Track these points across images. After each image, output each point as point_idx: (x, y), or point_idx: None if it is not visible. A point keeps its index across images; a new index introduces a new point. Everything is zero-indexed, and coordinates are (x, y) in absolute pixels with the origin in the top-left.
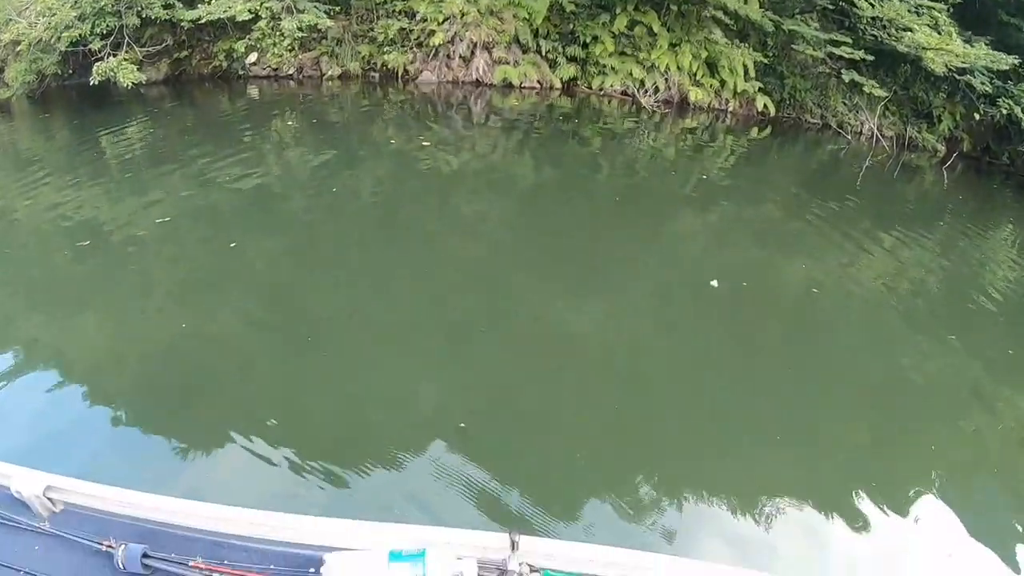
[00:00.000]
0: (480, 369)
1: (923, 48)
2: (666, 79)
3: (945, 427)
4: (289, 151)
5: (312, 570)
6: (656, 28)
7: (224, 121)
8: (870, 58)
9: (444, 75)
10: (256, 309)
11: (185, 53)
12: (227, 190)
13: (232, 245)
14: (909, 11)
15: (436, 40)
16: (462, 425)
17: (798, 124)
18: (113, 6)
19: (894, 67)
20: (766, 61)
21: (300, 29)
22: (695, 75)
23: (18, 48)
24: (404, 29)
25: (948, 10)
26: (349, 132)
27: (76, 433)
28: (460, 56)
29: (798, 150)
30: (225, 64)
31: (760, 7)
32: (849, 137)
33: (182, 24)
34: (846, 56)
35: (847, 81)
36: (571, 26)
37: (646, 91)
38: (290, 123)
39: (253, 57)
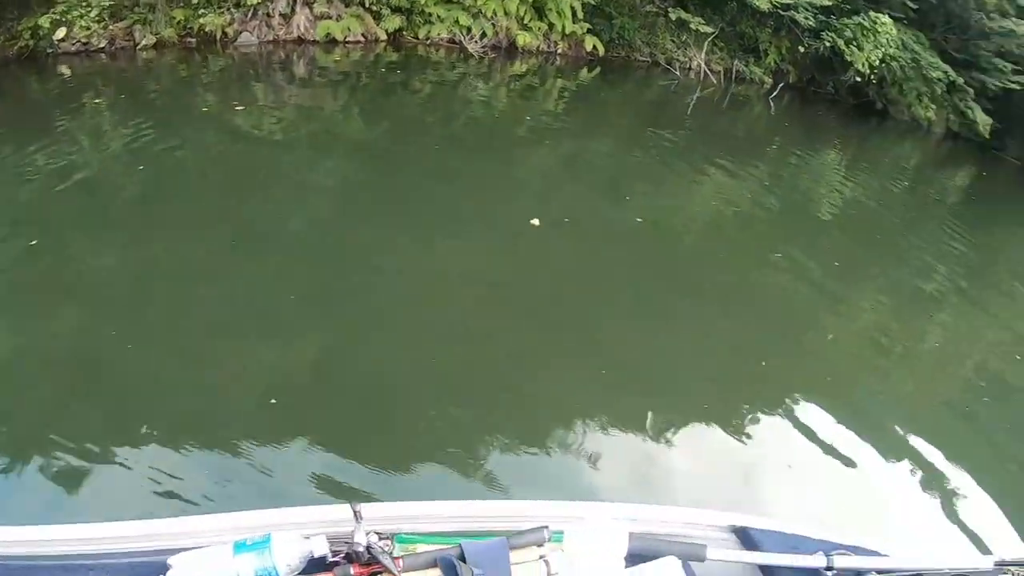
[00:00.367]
0: (316, 336)
1: None
2: (493, 25)
3: (789, 340)
4: (103, 131)
5: None
6: None
7: (34, 106)
8: None
9: (264, 35)
10: (72, 308)
11: None
12: (36, 182)
13: (32, 243)
14: None
15: None
16: (273, 402)
17: (628, 63)
18: None
19: (721, 5)
20: (594, 3)
21: None
22: (523, 19)
23: None
24: None
25: None
26: (166, 104)
27: None
28: (280, 14)
29: (629, 87)
30: (31, 43)
31: None
32: (678, 73)
33: None
34: None
35: (675, 19)
36: None
37: (473, 38)
38: (100, 101)
39: (61, 32)
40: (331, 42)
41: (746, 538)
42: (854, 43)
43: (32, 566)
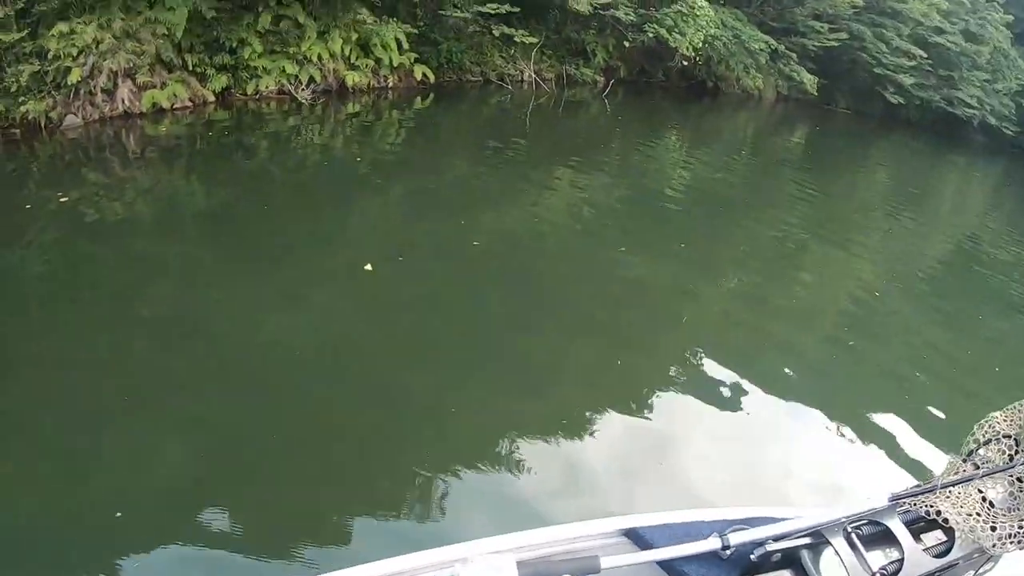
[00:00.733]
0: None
1: None
2: (320, 69)
3: (649, 330)
4: None
5: None
6: (302, 19)
7: None
8: (517, 10)
9: (90, 115)
10: None
11: None
12: None
13: None
14: None
15: (73, 77)
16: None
17: (460, 85)
18: None
19: (544, 14)
20: (418, 31)
21: None
22: (349, 59)
23: None
24: (38, 72)
25: None
26: None
27: None
28: (102, 90)
29: (464, 109)
30: None
31: None
32: (511, 87)
33: None
34: (494, 12)
35: (499, 35)
36: (215, 33)
37: (302, 85)
38: None
39: None
40: (159, 111)
41: (638, 538)
42: (676, 30)
43: None
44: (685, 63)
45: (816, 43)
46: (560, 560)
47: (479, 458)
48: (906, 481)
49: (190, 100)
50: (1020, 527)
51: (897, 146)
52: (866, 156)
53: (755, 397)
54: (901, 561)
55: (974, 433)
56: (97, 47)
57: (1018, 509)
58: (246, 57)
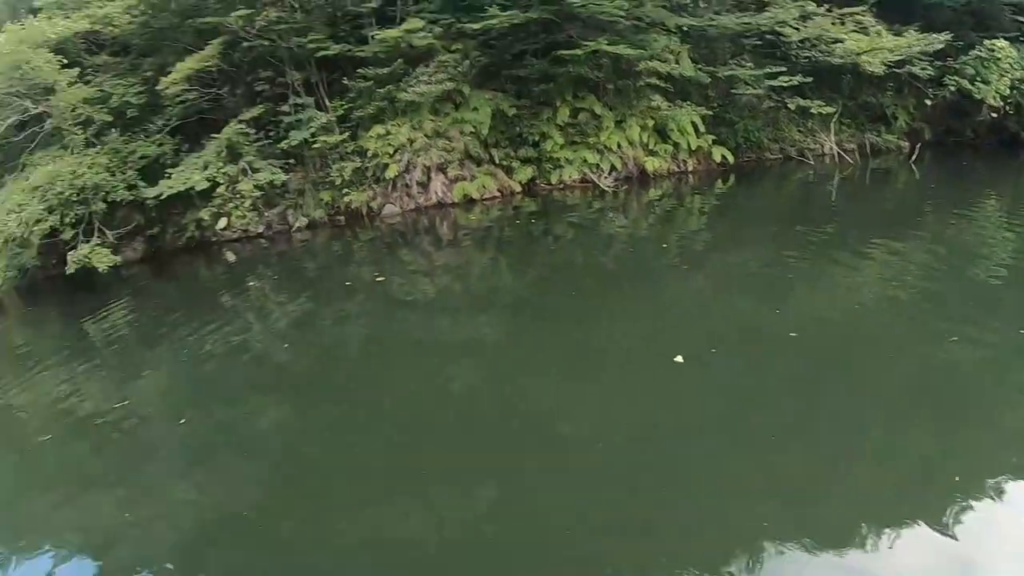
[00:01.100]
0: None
1: (856, 54)
2: (620, 157)
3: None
4: (268, 310)
5: None
6: (599, 110)
7: (204, 290)
8: (809, 80)
9: (406, 204)
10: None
11: (157, 229)
12: (211, 359)
13: (214, 417)
14: (833, 23)
15: (391, 172)
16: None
17: (760, 163)
18: (79, 195)
19: (836, 81)
20: (712, 113)
21: (258, 187)
22: (647, 145)
23: None
24: (359, 168)
25: (870, 9)
26: (323, 279)
27: None
28: (417, 183)
29: (766, 187)
30: (197, 234)
31: (692, 63)
32: (812, 161)
33: (147, 202)
34: (786, 85)
35: (794, 108)
36: (517, 129)
37: (603, 173)
38: (262, 283)
39: (222, 223)
40: (469, 201)
41: None
42: (978, 79)
43: None
44: (994, 115)
45: None
46: None
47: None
48: None
49: (498, 191)
50: None
51: None
52: None
53: None
54: None
55: None
56: (411, 145)
57: None
58: (548, 149)
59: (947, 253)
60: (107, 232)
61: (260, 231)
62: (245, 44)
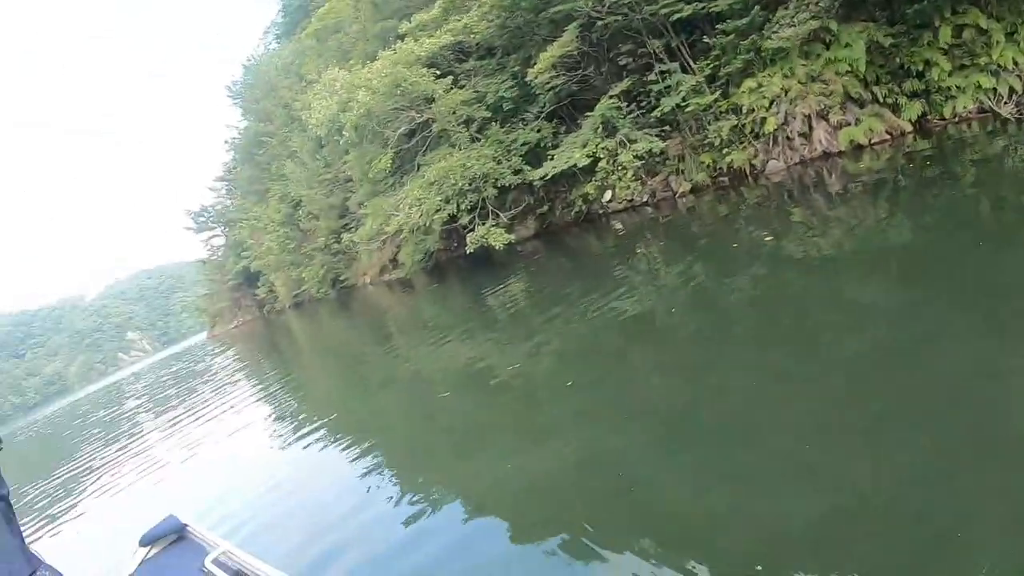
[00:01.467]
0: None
1: None
2: (1020, 76)
3: None
4: (655, 276)
5: None
6: (984, 23)
7: (593, 260)
8: None
9: (790, 158)
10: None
11: (546, 207)
12: (599, 325)
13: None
14: None
15: (769, 126)
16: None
17: None
18: (470, 184)
19: None
20: None
21: (637, 157)
22: None
23: (403, 235)
24: (736, 126)
25: None
26: (711, 243)
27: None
28: (799, 134)
29: None
30: (584, 208)
31: None
32: None
33: (534, 183)
34: None
35: None
36: (897, 60)
37: (1002, 99)
38: (649, 250)
39: (608, 195)
40: (856, 148)
41: None
42: None
43: None
44: None
45: None
46: None
47: None
48: None
49: (887, 132)
50: None
51: None
52: None
53: None
54: None
55: None
56: (786, 95)
57: None
58: (936, 78)
59: None
60: (500, 214)
61: (645, 200)
62: (600, 23)
